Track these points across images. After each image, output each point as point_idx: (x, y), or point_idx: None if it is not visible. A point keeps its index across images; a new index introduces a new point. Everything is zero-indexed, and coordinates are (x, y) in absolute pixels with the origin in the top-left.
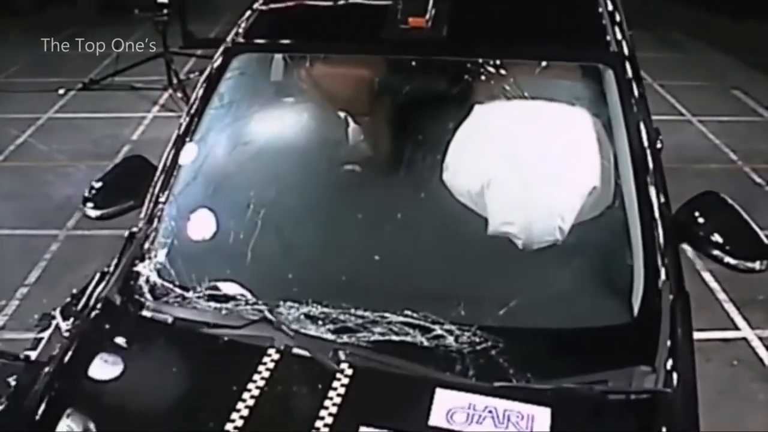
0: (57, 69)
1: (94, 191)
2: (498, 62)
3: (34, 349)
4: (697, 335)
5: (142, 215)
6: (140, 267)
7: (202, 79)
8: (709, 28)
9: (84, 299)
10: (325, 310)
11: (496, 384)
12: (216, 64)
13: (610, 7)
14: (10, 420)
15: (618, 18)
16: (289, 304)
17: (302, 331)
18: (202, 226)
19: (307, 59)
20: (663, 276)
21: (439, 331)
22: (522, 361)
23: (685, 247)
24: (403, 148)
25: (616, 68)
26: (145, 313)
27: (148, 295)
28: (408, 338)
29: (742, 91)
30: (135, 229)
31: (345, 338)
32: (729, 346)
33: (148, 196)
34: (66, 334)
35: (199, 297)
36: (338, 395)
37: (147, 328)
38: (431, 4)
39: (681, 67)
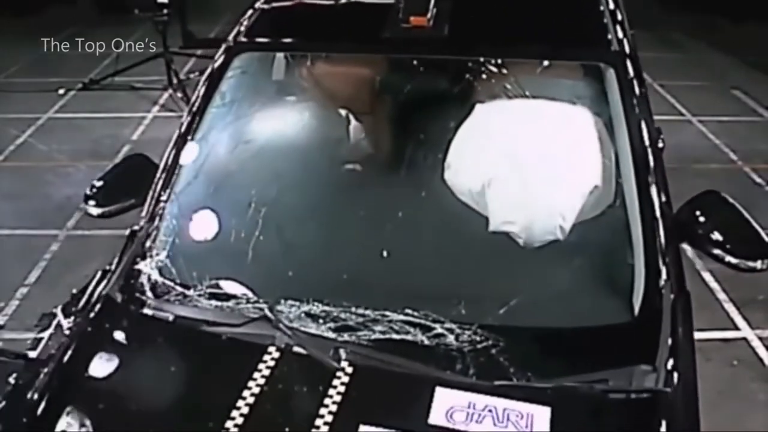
0: (57, 69)
1: (95, 189)
2: (499, 61)
3: (34, 348)
4: (697, 335)
5: (143, 213)
6: (141, 265)
7: (203, 77)
8: (710, 28)
9: (85, 297)
10: (326, 308)
11: (497, 383)
12: (218, 63)
13: (612, 6)
14: (10, 418)
15: (619, 17)
16: (290, 302)
17: (303, 329)
18: (203, 224)
19: (309, 58)
20: (664, 275)
21: (439, 330)
22: (522, 360)
23: (685, 247)
24: (405, 147)
25: (617, 67)
26: (146, 311)
27: (149, 293)
28: (408, 337)
29: (742, 91)
30: (136, 228)
31: (345, 337)
32: (729, 346)
33: (150, 195)
34: (67, 332)
35: (200, 295)
36: (338, 393)
37: (148, 326)
38: (432, 3)
39: (681, 67)
